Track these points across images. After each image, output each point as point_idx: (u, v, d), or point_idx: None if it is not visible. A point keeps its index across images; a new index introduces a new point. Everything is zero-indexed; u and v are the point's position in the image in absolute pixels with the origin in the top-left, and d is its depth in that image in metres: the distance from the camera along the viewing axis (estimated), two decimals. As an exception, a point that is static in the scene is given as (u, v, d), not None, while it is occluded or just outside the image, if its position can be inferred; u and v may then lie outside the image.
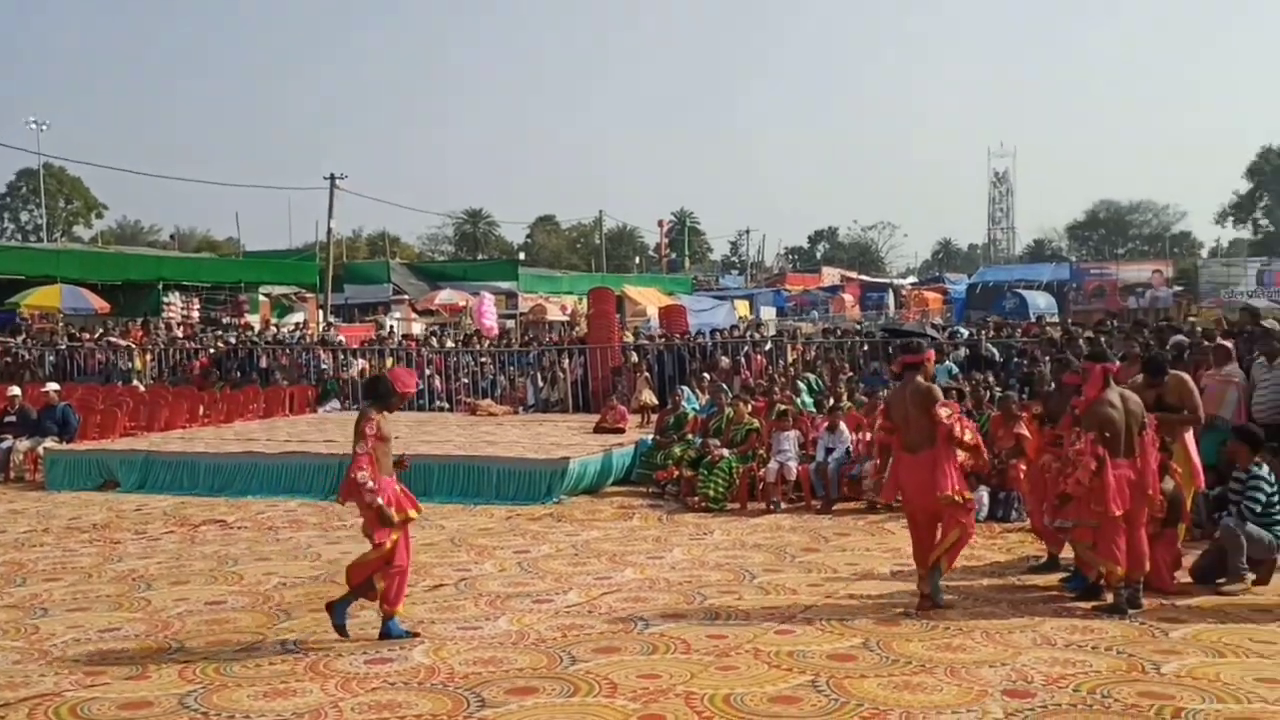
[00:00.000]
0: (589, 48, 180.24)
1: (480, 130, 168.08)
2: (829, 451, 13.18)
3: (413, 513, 7.88)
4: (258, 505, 13.66)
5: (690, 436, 14.36)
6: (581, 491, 13.92)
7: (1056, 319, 33.45)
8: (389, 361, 22.05)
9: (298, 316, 38.82)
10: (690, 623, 8.08)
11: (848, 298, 49.66)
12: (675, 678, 6.79)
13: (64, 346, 25.32)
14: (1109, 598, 8.21)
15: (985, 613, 8.21)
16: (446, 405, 21.54)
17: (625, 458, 14.84)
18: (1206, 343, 12.33)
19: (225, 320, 34.50)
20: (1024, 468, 10.75)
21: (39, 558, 10.81)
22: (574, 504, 13.38)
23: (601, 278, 48.81)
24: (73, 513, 13.44)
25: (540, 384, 21.62)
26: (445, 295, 41.33)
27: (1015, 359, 18.25)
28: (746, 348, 21.04)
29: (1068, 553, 9.10)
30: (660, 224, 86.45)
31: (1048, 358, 14.99)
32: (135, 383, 22.96)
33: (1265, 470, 9.01)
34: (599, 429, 16.50)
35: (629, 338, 23.81)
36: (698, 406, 15.75)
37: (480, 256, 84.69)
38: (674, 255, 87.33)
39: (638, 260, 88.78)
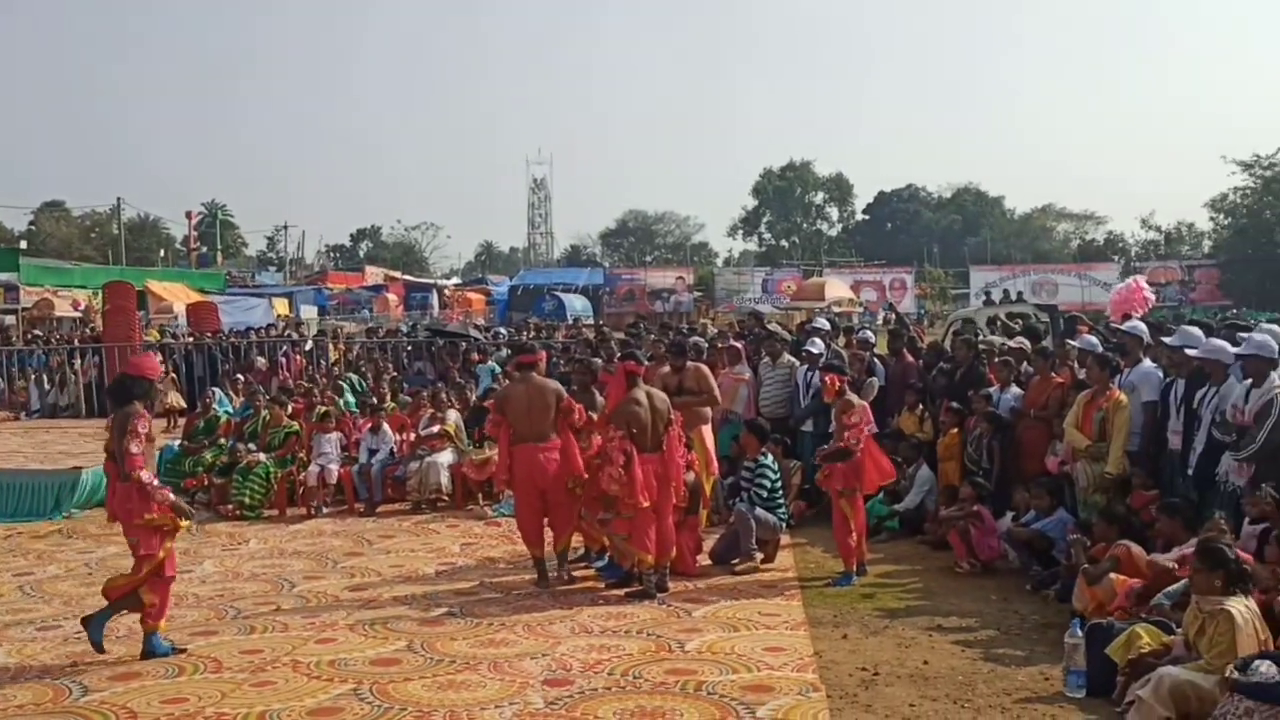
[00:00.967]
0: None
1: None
2: (372, 453, 12.95)
3: (184, 522, 7.36)
4: None
5: (223, 441, 13.54)
6: (97, 504, 12.63)
7: (592, 321, 35.20)
8: None
9: None
10: (222, 638, 7.60)
11: (391, 297, 49.20)
12: (205, 700, 6.34)
13: None
14: (640, 584, 8.71)
15: (527, 605, 8.41)
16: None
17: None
18: (720, 344, 13.40)
19: None
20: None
21: None
22: (87, 518, 12.15)
23: (120, 271, 44.79)
24: None
25: (47, 387, 19.49)
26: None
27: (555, 359, 18.93)
28: (285, 347, 20.23)
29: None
30: (189, 215, 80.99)
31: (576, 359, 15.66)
32: None
33: (770, 460, 9.99)
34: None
35: (153, 337, 22.05)
36: (231, 409, 14.92)
37: (-29, 244, 74.69)
38: (204, 249, 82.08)
39: (163, 253, 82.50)
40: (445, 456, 12.72)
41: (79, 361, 19.56)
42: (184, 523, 7.36)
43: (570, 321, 31.74)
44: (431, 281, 60.88)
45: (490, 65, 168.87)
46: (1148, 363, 9.23)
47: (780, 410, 12.00)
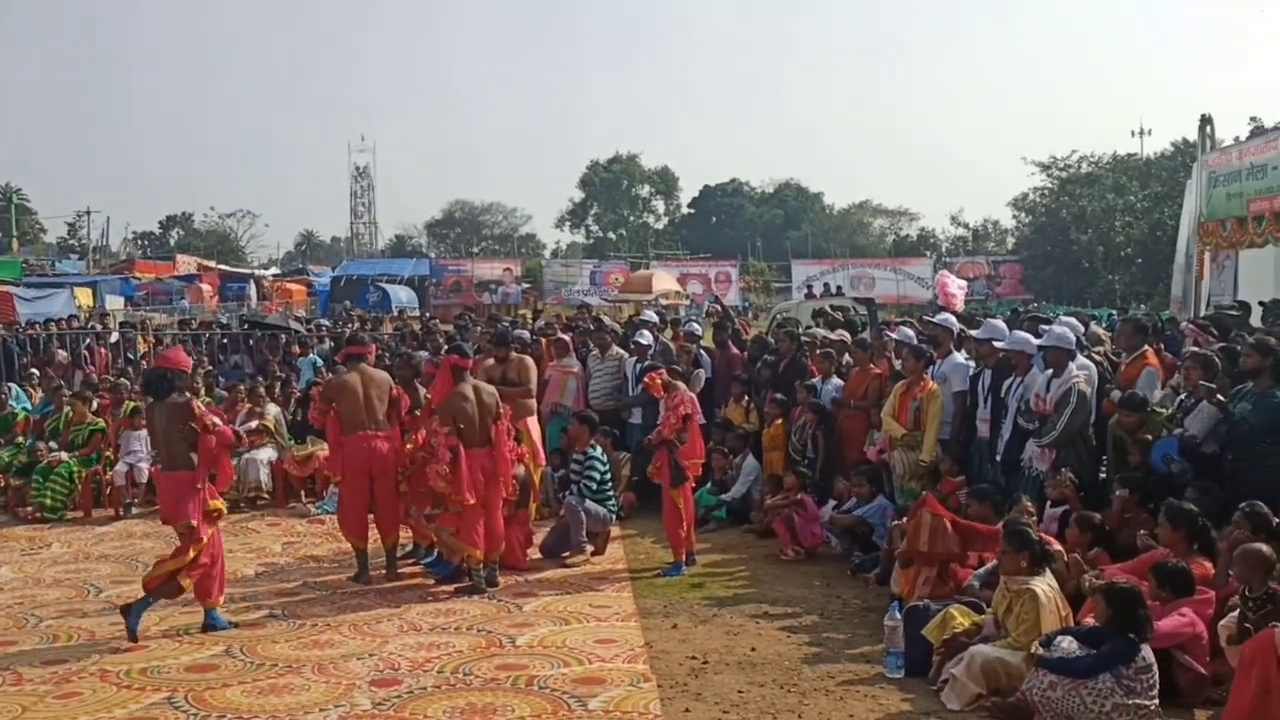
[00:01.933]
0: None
1: None
2: (186, 450, 12.39)
3: (222, 504, 7.83)
4: None
5: (20, 440, 12.77)
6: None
7: (418, 313, 34.62)
8: None
9: None
10: (22, 649, 7.20)
11: (205, 288, 47.16)
12: (4, 714, 5.99)
13: None
14: (469, 580, 8.61)
15: (353, 605, 8.21)
16: None
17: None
18: (546, 337, 13.36)
19: None
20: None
21: None
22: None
23: (-100, 258, 41.64)
24: None
25: None
26: None
27: (381, 353, 18.52)
28: (89, 340, 19.14)
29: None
30: (-23, 199, 75.88)
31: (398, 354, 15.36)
32: None
33: (599, 451, 10.03)
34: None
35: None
36: (30, 406, 14.09)
37: None
38: (-1, 236, 77.08)
39: (-53, 240, 76.99)
40: (265, 453, 12.32)
41: None
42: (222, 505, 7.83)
43: (395, 314, 31.08)
44: (249, 271, 58.60)
45: (311, 47, 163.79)
46: (958, 354, 9.65)
47: (609, 402, 12.05)
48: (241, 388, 13.64)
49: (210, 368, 16.87)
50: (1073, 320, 9.77)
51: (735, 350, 12.55)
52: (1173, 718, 5.72)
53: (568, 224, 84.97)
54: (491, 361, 10.32)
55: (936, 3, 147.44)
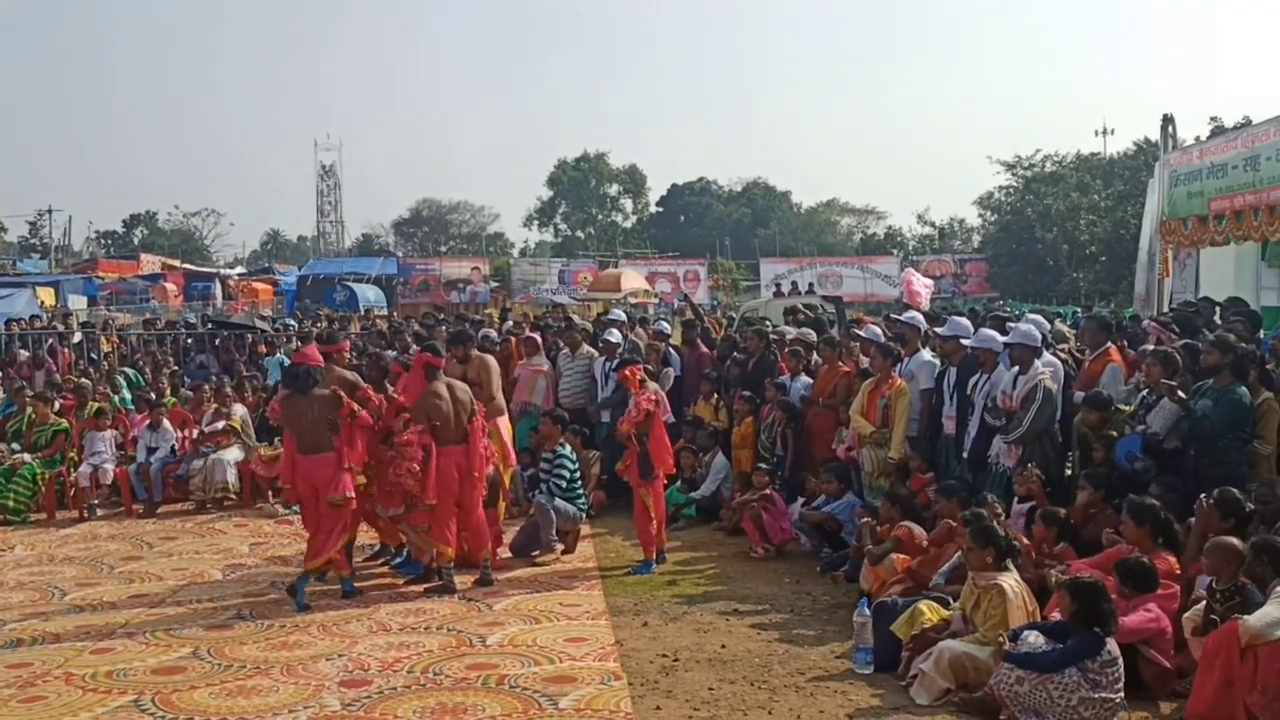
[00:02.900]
0: None
1: None
2: (151, 451, 12.30)
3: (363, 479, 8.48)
4: None
5: (-18, 441, 12.57)
6: None
7: (385, 312, 34.47)
8: None
9: None
10: (-15, 655, 7.08)
11: (170, 287, 46.70)
12: (-34, 721, 5.88)
13: None
14: (440, 579, 8.58)
15: (321, 605, 8.17)
16: None
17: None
18: (515, 335, 13.33)
19: None
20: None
21: None
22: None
23: None
24: None
25: None
26: None
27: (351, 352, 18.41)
28: (51, 340, 18.92)
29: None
30: (-62, 198, 74.75)
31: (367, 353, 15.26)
32: None
33: (568, 450, 10.02)
34: None
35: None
36: (-8, 407, 13.83)
37: None
38: (-43, 235, 76.00)
39: (-94, 239, 75.82)
40: (232, 453, 12.23)
41: None
42: None
43: (362, 313, 30.91)
44: (214, 270, 58.08)
45: (277, 45, 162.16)
46: (925, 352, 9.72)
47: (580, 401, 12.04)
48: (207, 388, 13.53)
49: (175, 368, 16.72)
50: (1038, 318, 9.87)
51: (705, 349, 12.57)
52: (1137, 710, 5.79)
53: (536, 223, 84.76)
54: (453, 362, 10.26)
55: (903, 3, 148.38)
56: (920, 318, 10.70)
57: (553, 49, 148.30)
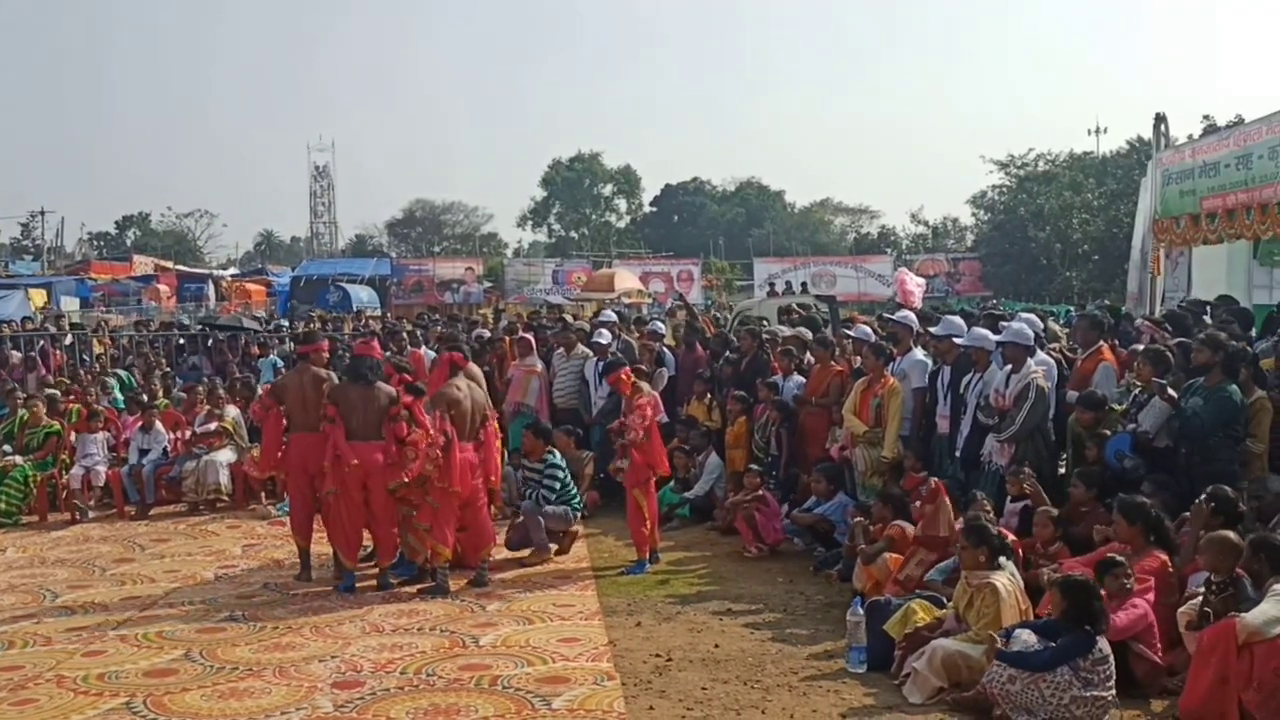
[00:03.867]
0: None
1: None
2: (144, 453, 12.28)
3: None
4: None
5: (-26, 444, 12.54)
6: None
7: (379, 313, 34.41)
8: None
9: None
10: (-24, 657, 7.05)
11: (163, 288, 46.62)
12: (-43, 724, 5.87)
13: None
14: (433, 580, 8.57)
15: (315, 607, 8.16)
16: None
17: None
18: (508, 336, 13.31)
19: None
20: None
21: None
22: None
23: None
24: None
25: None
26: None
27: (341, 351, 18.40)
28: (43, 342, 18.87)
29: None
30: (-70, 199, 74.54)
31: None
32: None
33: (558, 457, 9.95)
34: None
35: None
36: (-16, 409, 13.78)
37: None
38: (-50, 236, 75.72)
39: (-103, 242, 75.46)
40: (224, 455, 12.21)
41: None
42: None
43: (355, 314, 30.85)
44: (207, 272, 57.98)
45: (271, 45, 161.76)
46: (918, 351, 9.72)
47: (573, 401, 12.05)
48: (200, 389, 13.51)
49: (168, 369, 16.69)
50: (1031, 316, 9.87)
51: (700, 349, 12.56)
52: (1129, 708, 5.80)
53: (529, 223, 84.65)
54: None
55: (897, 3, 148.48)
56: (913, 317, 10.70)
57: (547, 50, 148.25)
